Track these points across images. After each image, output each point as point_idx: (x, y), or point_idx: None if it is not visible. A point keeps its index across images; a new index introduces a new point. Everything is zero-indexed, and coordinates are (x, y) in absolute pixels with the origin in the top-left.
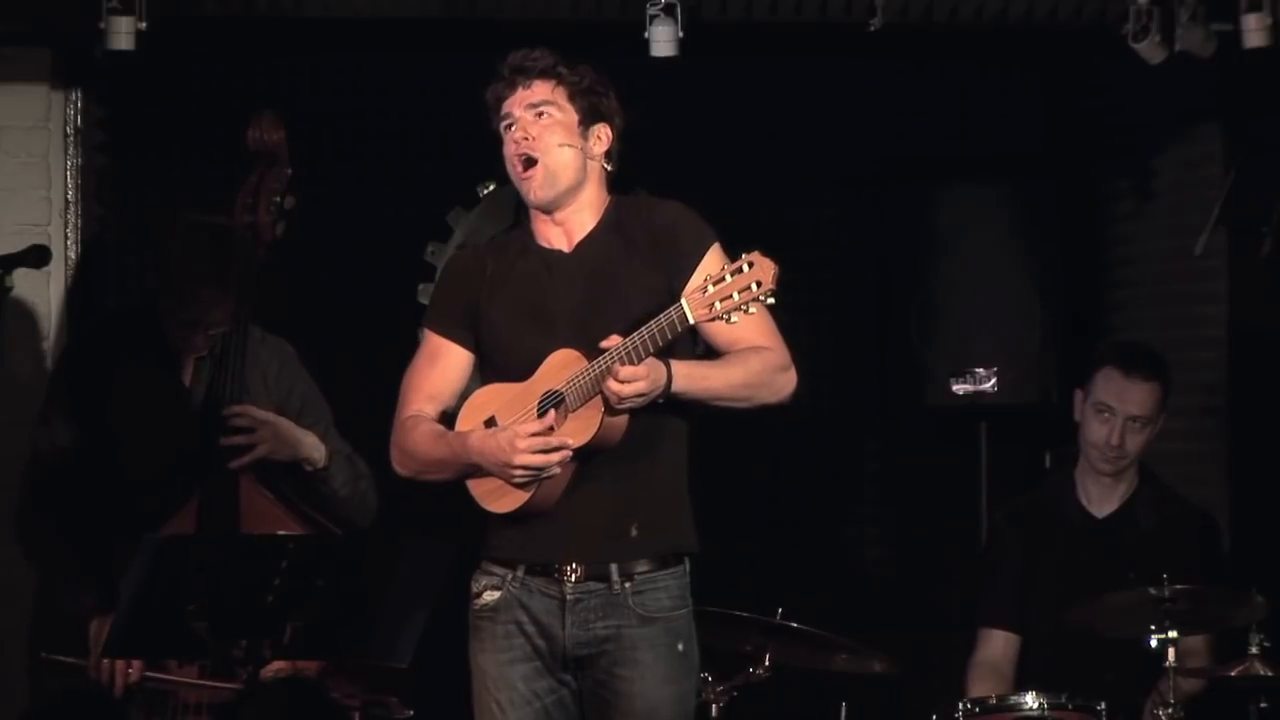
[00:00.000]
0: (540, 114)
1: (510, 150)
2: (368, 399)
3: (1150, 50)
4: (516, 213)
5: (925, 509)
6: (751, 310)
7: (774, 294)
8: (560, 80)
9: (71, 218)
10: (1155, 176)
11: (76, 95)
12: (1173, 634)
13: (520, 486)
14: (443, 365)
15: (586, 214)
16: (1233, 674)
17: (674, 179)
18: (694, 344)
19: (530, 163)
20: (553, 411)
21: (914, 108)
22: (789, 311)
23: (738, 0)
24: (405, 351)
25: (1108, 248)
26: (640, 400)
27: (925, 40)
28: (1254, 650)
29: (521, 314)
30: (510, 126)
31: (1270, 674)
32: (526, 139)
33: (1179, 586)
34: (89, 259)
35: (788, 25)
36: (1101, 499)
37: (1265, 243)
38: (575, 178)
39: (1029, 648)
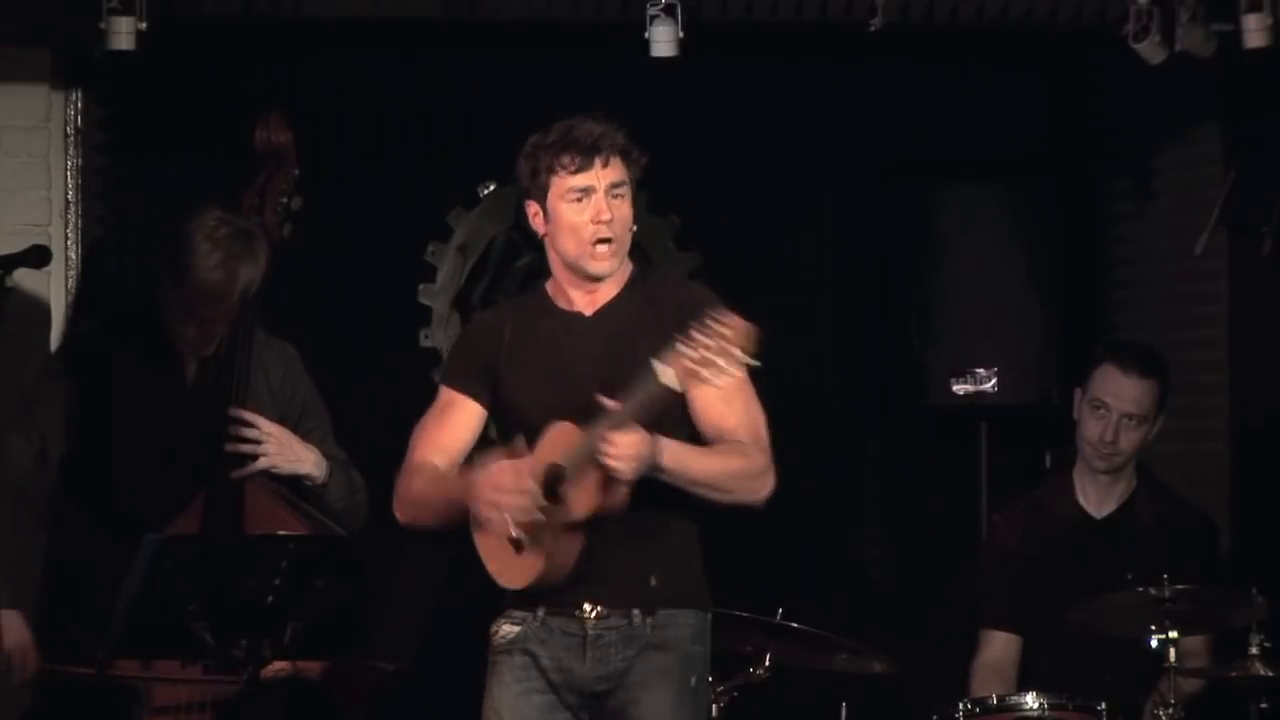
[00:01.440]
0: (617, 195)
1: (587, 229)
2: (366, 401)
3: (1150, 50)
4: (517, 213)
5: (925, 509)
6: (732, 372)
7: (756, 356)
8: (628, 160)
9: (71, 218)
10: (1155, 176)
11: (76, 95)
12: (1173, 634)
13: (492, 527)
14: (454, 419)
15: (612, 280)
16: (1233, 674)
17: (674, 179)
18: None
19: (607, 241)
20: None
21: (914, 108)
22: (789, 312)
23: (738, 0)
24: (405, 352)
25: (1108, 248)
26: (635, 468)
27: (925, 40)
28: (1254, 650)
29: (542, 376)
30: (581, 199)
31: (1270, 674)
32: (610, 220)
33: (1179, 587)
34: (89, 259)
35: (788, 25)
36: (1100, 499)
37: (1265, 243)
38: (627, 250)
39: (1029, 648)
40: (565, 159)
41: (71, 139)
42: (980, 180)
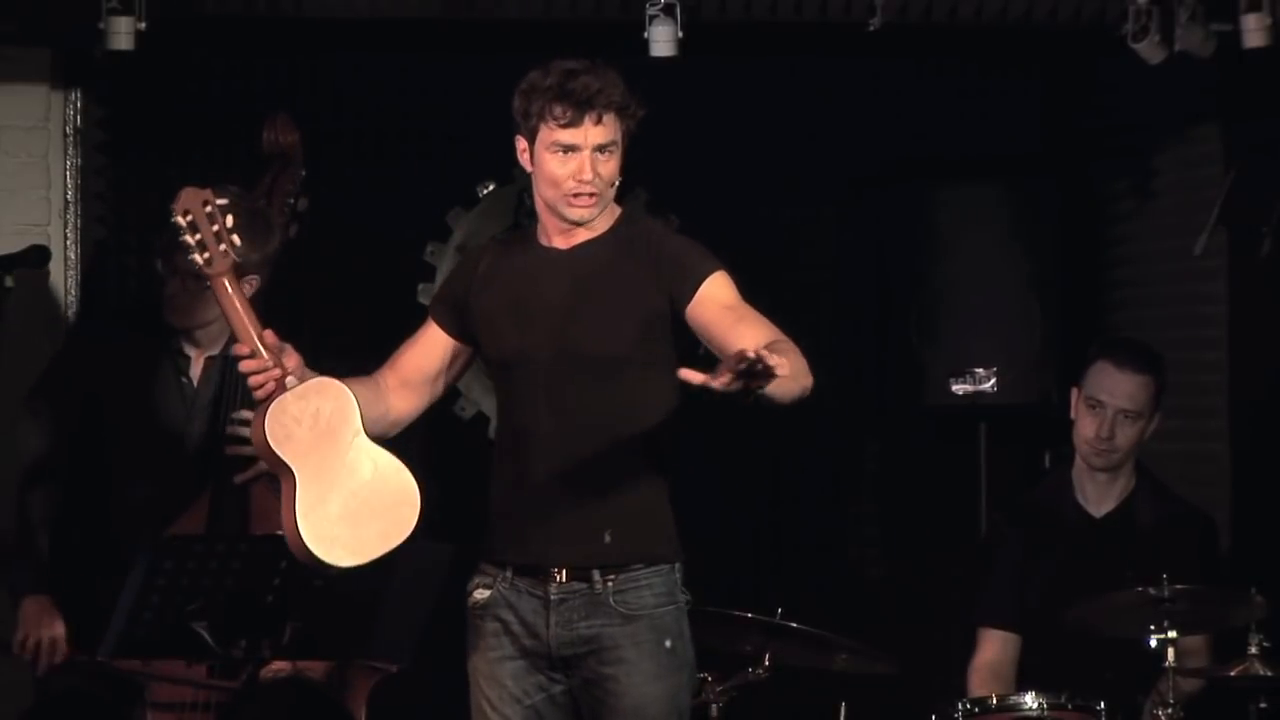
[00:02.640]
0: (605, 153)
1: (567, 184)
2: None
3: (1150, 50)
4: (516, 213)
5: (925, 509)
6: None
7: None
8: (623, 116)
9: (71, 218)
10: (1155, 176)
11: (76, 95)
12: (1172, 634)
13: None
14: (420, 343)
15: (596, 223)
16: (1232, 674)
17: (674, 179)
18: (695, 347)
19: (586, 195)
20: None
21: (914, 108)
22: (789, 312)
23: (737, 0)
24: None
25: (1108, 248)
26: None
27: (925, 40)
28: (1254, 650)
29: (506, 307)
30: (566, 154)
31: (1270, 674)
32: (591, 179)
33: (1178, 586)
34: (89, 259)
35: (787, 25)
36: (1099, 498)
37: (1265, 243)
38: (611, 200)
39: (1028, 647)
40: (557, 110)
41: (71, 139)
42: (980, 180)
